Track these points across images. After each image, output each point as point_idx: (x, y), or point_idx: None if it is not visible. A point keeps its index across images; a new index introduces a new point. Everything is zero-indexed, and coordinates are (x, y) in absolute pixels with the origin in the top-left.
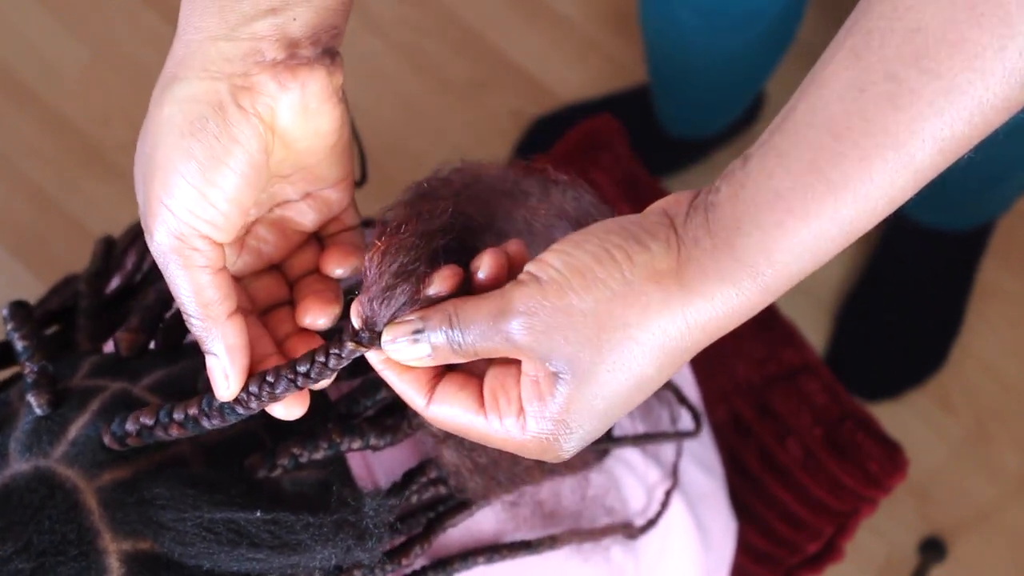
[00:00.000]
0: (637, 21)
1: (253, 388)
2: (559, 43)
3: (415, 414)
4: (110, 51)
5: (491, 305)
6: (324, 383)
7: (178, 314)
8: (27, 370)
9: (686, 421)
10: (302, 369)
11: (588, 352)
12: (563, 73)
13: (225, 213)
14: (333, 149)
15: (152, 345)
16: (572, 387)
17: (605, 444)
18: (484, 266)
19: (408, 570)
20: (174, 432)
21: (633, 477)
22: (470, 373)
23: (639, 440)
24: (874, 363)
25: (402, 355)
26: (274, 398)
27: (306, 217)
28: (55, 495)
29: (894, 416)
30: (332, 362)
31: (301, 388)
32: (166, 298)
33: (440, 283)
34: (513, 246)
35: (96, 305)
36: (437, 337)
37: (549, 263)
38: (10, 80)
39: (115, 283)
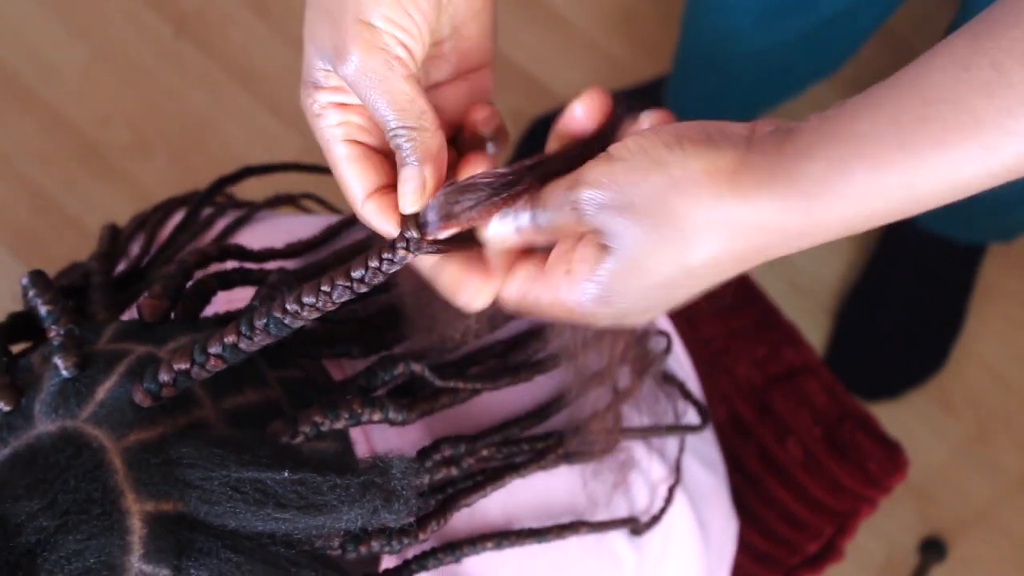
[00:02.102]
0: (637, 21)
1: (308, 298)
2: (559, 43)
3: (431, 391)
4: (110, 51)
5: (567, 180)
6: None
7: (197, 285)
8: (53, 333)
9: (690, 418)
10: (356, 275)
11: (639, 233)
12: (563, 73)
13: (418, 24)
14: (479, 17)
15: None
16: (618, 262)
17: (614, 435)
18: (584, 103)
19: (420, 550)
20: (212, 366)
21: (637, 472)
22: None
23: (646, 432)
24: (874, 363)
25: (494, 232)
26: (329, 305)
27: (451, 102)
28: (82, 454)
29: (894, 416)
30: (385, 265)
31: (356, 293)
32: (187, 269)
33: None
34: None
35: (109, 282)
36: (523, 217)
37: (625, 145)
38: (10, 80)
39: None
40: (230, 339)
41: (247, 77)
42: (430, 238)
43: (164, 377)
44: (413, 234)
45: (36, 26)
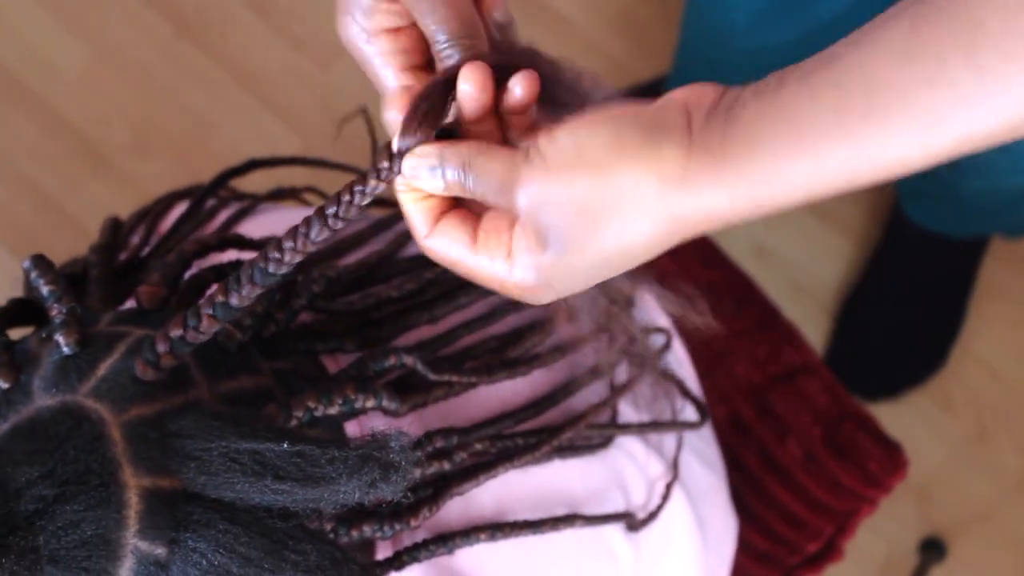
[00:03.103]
0: (638, 21)
1: (287, 243)
2: (559, 43)
3: (426, 383)
4: (110, 51)
5: (502, 167)
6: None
7: (194, 278)
8: (55, 311)
9: (688, 415)
10: (330, 211)
11: (581, 232)
12: None
13: None
14: None
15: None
16: (560, 256)
17: (610, 431)
18: (520, 85)
19: (411, 540)
20: (206, 327)
21: (635, 468)
22: (471, 212)
23: (643, 428)
24: (874, 363)
25: (419, 182)
26: (309, 246)
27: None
28: (82, 426)
29: (894, 416)
30: (357, 198)
31: (333, 229)
32: (186, 259)
33: (459, 106)
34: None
35: (107, 273)
36: (451, 175)
37: (560, 141)
38: (10, 80)
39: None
40: (219, 297)
41: (247, 77)
42: (397, 167)
43: (161, 346)
44: (385, 163)
45: (36, 26)
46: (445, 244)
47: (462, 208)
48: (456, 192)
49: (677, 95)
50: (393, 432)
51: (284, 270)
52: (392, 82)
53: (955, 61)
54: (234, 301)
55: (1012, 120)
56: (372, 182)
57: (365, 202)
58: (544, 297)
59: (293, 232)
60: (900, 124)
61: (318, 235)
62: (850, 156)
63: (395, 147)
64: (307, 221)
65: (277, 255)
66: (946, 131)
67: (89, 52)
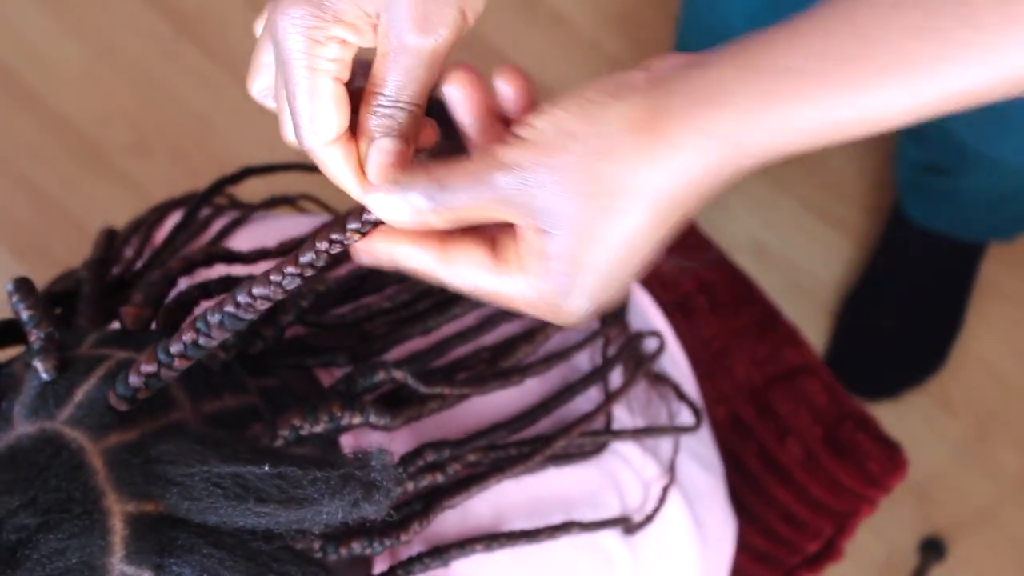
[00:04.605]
0: (637, 21)
1: (259, 289)
2: (559, 43)
3: (418, 397)
4: (110, 51)
5: (477, 163)
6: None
7: (180, 296)
8: (33, 337)
9: (684, 418)
10: (305, 259)
11: (575, 207)
12: (563, 73)
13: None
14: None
15: (152, 328)
16: (565, 243)
17: (605, 437)
18: (506, 80)
19: (407, 554)
20: (179, 365)
21: (630, 472)
22: (481, 233)
23: (638, 433)
24: (874, 363)
25: (385, 212)
26: (280, 294)
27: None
28: (61, 454)
29: (894, 416)
30: (334, 248)
31: (306, 279)
32: (171, 277)
33: (425, 138)
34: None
35: (98, 291)
36: (417, 198)
37: (532, 123)
38: (10, 80)
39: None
40: (188, 337)
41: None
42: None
43: (134, 380)
44: (370, 216)
45: (36, 26)
46: (465, 270)
47: (469, 231)
48: (426, 217)
49: (641, 64)
50: (375, 451)
51: (252, 316)
52: (327, 88)
53: (942, 11)
54: (203, 342)
55: (1005, 77)
56: (349, 232)
57: (338, 251)
58: (574, 306)
59: (265, 280)
60: (886, 75)
61: (290, 284)
62: (832, 105)
63: (349, 224)
64: (278, 268)
65: (248, 300)
66: (934, 84)
67: (89, 52)
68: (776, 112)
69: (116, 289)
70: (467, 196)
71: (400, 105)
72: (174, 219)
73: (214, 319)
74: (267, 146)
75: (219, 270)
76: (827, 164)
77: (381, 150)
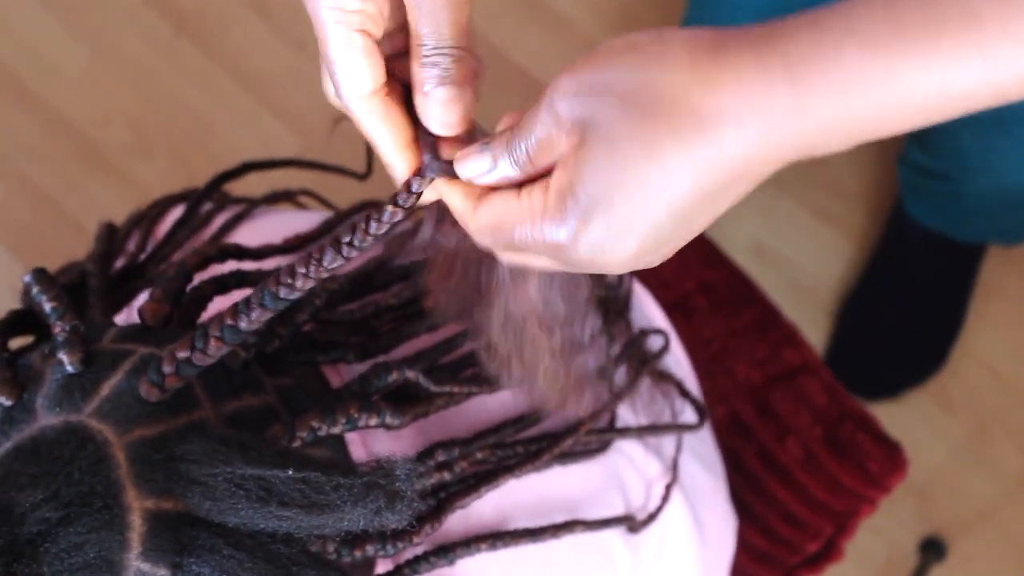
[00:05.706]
0: (637, 21)
1: (300, 269)
2: (559, 43)
3: (428, 395)
4: (110, 51)
5: (541, 101)
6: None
7: (193, 291)
8: (58, 329)
9: (687, 416)
10: (345, 239)
11: (614, 111)
12: None
13: None
14: None
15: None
16: (596, 147)
17: (610, 435)
18: None
19: (410, 554)
20: (213, 349)
21: (634, 470)
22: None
23: (642, 432)
24: (874, 363)
25: (469, 169)
26: (322, 273)
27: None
28: (86, 447)
29: (894, 416)
30: (373, 227)
31: (347, 258)
32: (188, 272)
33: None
34: None
35: (105, 283)
36: (499, 151)
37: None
38: (10, 80)
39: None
40: (229, 320)
41: (247, 77)
42: (423, 190)
43: (167, 368)
44: (404, 193)
45: (36, 26)
46: (491, 209)
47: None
48: (511, 169)
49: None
50: (399, 460)
51: (295, 295)
52: (356, 41)
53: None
54: (243, 325)
55: None
56: (389, 210)
57: (382, 231)
58: (595, 229)
59: (306, 258)
60: (955, 35)
61: (331, 263)
62: (898, 56)
63: (413, 185)
64: (321, 248)
65: (289, 280)
66: (1007, 53)
67: (89, 52)
68: (841, 60)
69: (121, 281)
70: (538, 127)
71: (441, 50)
72: (175, 214)
73: (256, 298)
74: (266, 146)
75: (229, 265)
76: (827, 164)
77: (437, 100)
